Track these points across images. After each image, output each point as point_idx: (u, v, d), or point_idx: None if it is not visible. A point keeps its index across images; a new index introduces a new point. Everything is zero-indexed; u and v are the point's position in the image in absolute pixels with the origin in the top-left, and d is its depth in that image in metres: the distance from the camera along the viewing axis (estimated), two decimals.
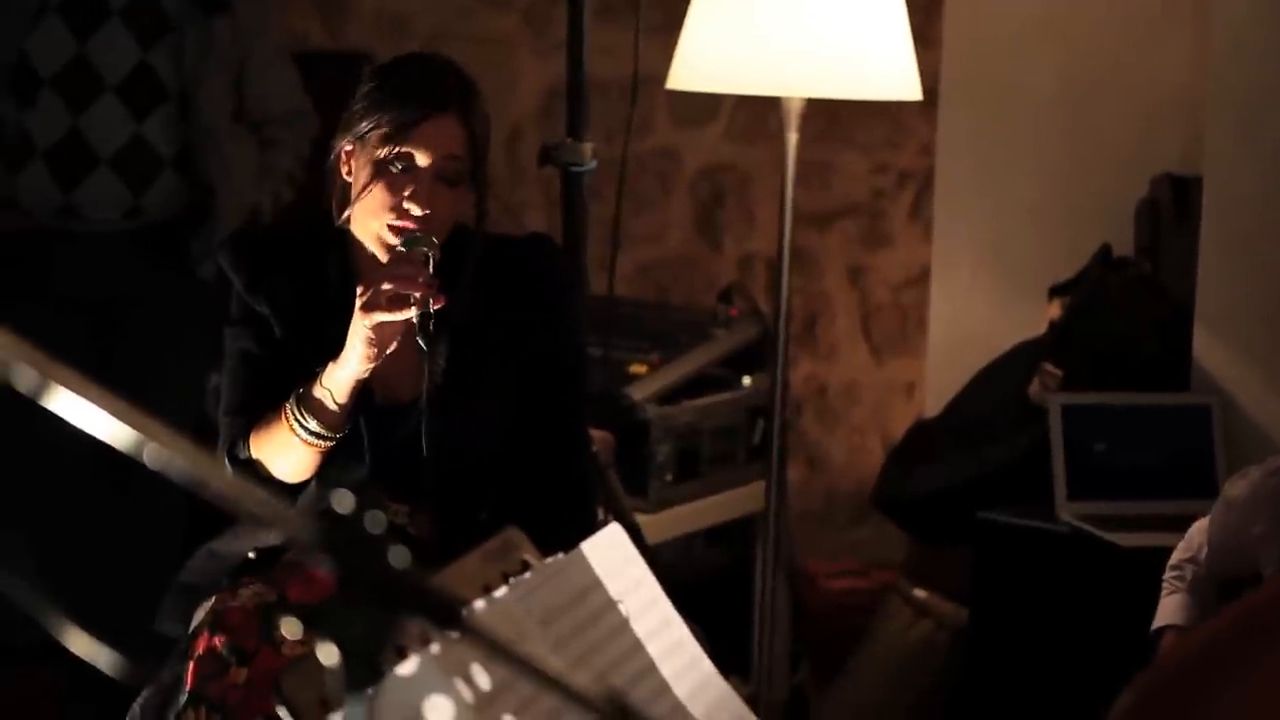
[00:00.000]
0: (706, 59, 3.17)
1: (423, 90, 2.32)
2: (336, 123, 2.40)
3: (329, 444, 2.29)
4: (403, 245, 2.27)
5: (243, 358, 2.39)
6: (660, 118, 4.52)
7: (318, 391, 2.27)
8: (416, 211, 2.28)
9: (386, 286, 2.21)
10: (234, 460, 2.35)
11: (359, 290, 2.24)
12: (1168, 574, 2.51)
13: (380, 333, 2.22)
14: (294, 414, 2.27)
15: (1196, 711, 1.32)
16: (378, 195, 2.29)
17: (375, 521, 0.95)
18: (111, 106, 3.40)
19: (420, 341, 2.24)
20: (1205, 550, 2.45)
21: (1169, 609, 2.47)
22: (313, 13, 4.36)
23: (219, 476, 1.05)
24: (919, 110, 4.36)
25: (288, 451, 2.30)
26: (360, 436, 2.35)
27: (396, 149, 2.29)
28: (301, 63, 3.72)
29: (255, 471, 2.33)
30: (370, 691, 1.35)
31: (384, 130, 2.29)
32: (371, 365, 2.24)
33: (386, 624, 0.99)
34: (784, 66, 3.10)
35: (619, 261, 3.59)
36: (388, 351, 2.25)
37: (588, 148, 3.03)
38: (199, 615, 2.33)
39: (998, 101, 4.12)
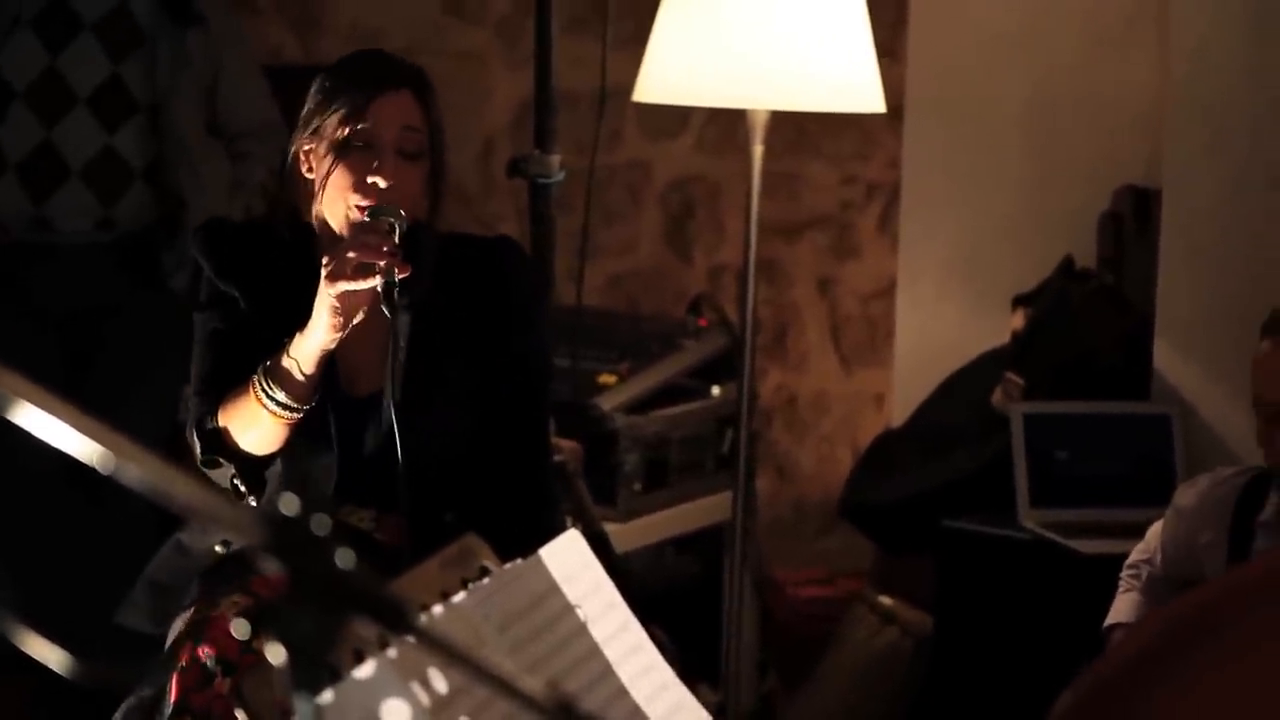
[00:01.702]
0: (672, 72, 3.21)
1: (374, 71, 2.37)
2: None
3: (296, 415, 2.30)
4: (368, 215, 2.30)
5: (212, 338, 2.41)
6: (631, 130, 4.56)
7: (285, 362, 2.29)
8: (382, 184, 2.30)
9: (351, 255, 2.24)
10: (201, 432, 2.36)
11: (324, 260, 2.26)
12: (1124, 573, 2.56)
13: (345, 302, 2.24)
14: (262, 385, 2.29)
15: (1134, 712, 1.35)
16: (340, 177, 2.32)
17: (320, 524, 0.98)
18: (83, 119, 3.42)
19: (385, 310, 2.25)
20: (1159, 554, 2.49)
21: (1122, 607, 2.51)
22: (286, 27, 4.39)
23: (183, 488, 1.07)
24: (887, 123, 4.40)
25: (255, 423, 2.32)
26: (329, 427, 2.38)
27: (355, 127, 2.32)
28: (275, 77, 3.74)
29: (223, 442, 2.34)
30: (325, 694, 1.38)
31: (340, 113, 2.32)
32: (338, 335, 2.26)
33: (334, 625, 1.02)
34: (749, 79, 3.14)
35: (590, 273, 3.62)
36: (354, 322, 2.27)
37: (555, 160, 3.07)
38: (178, 626, 2.33)
39: (963, 114, 4.16)
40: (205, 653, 2.22)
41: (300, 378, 2.28)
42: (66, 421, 1.05)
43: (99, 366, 3.48)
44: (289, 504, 0.97)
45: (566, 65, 3.11)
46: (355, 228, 2.29)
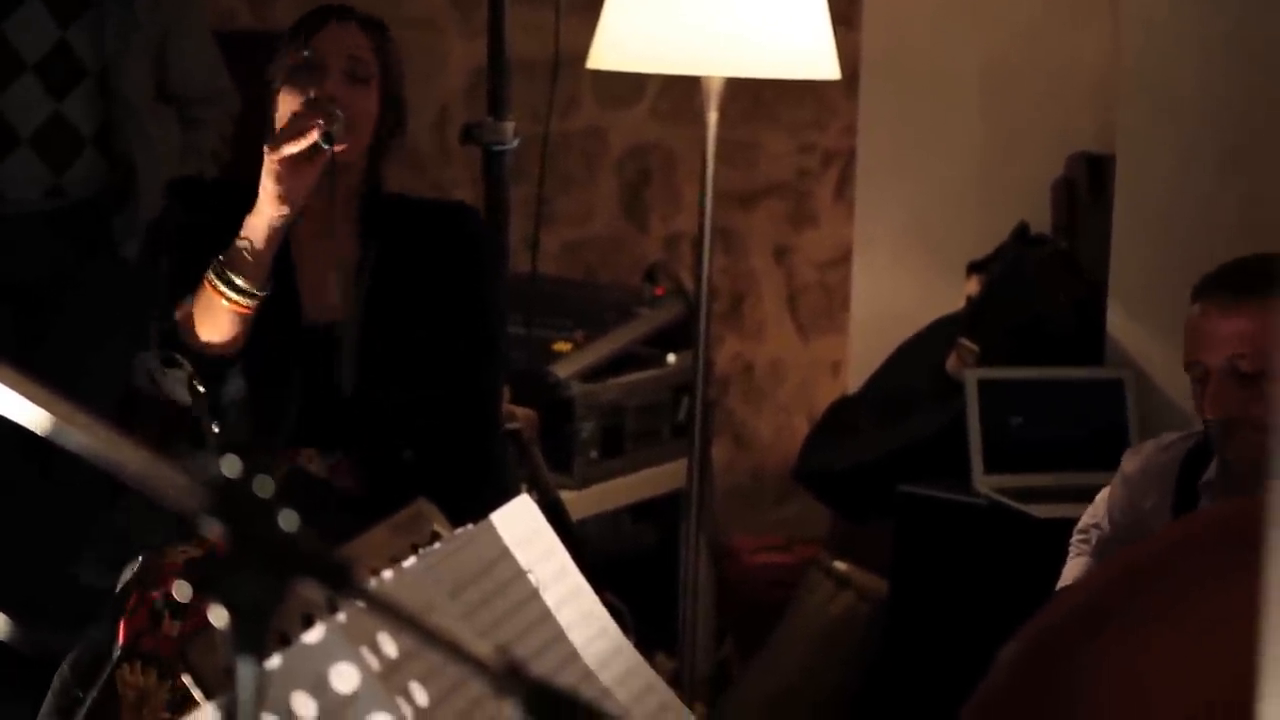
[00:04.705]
0: (626, 38, 3.20)
1: (324, 9, 2.47)
2: (260, 103, 2.49)
3: (250, 302, 2.35)
4: (305, 106, 2.36)
5: (181, 264, 2.45)
6: (586, 97, 4.54)
7: (238, 243, 2.35)
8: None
9: (288, 124, 2.32)
10: (160, 331, 2.42)
11: (266, 141, 2.33)
12: (1074, 538, 2.58)
13: (286, 167, 2.30)
14: (216, 271, 2.35)
15: (1076, 661, 1.37)
16: (288, 97, 2.40)
17: (263, 486, 0.97)
18: (30, 85, 3.39)
19: (323, 144, 2.30)
20: (1108, 520, 2.51)
21: (1073, 572, 2.53)
22: None
23: (132, 456, 1.07)
24: (843, 90, 4.40)
25: (210, 313, 2.36)
26: (290, 358, 2.43)
27: (302, 52, 2.40)
28: (227, 43, 3.71)
29: (179, 338, 2.40)
30: (273, 659, 1.38)
31: (291, 48, 2.42)
32: (284, 209, 2.32)
33: (277, 587, 1.01)
34: (703, 46, 3.13)
35: (546, 240, 3.61)
36: (298, 199, 2.32)
37: (509, 126, 3.06)
38: (127, 574, 2.36)
39: (918, 82, 4.16)
40: (154, 596, 2.24)
41: (250, 257, 2.34)
42: (16, 390, 1.04)
43: (51, 336, 3.46)
44: (231, 466, 0.97)
45: (520, 32, 3.10)
46: (293, 114, 2.36)
